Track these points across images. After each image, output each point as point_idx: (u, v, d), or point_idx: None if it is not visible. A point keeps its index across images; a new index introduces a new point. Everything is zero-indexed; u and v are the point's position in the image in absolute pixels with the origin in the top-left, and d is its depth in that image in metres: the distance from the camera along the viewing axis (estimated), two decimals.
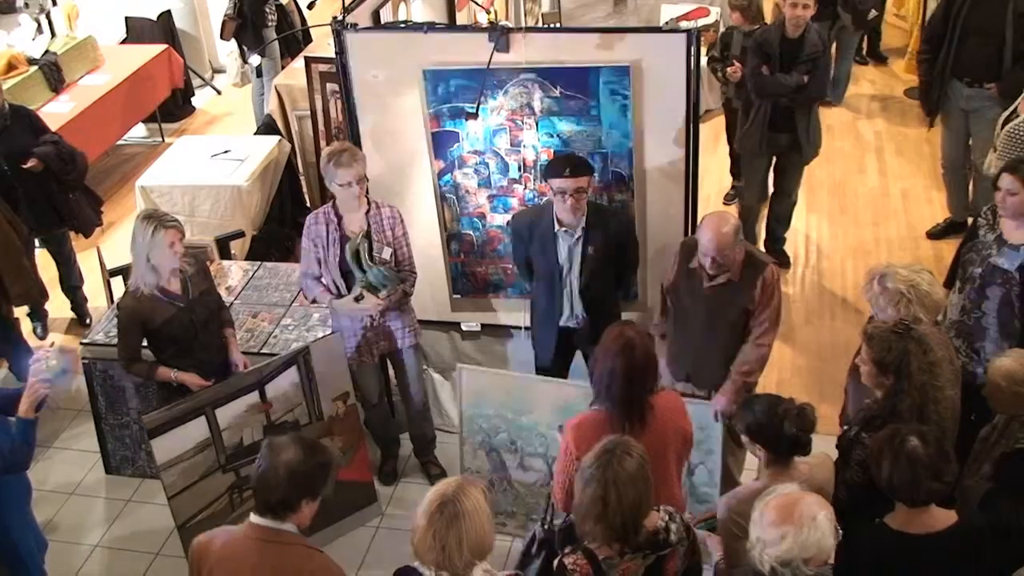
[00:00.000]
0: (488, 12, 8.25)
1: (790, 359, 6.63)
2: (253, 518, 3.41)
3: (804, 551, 3.03)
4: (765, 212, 7.61)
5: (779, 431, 3.69)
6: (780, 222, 7.52)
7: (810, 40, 6.68)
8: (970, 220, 7.39)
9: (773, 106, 6.82)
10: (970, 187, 7.65)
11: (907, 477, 3.42)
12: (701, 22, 9.20)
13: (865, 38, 10.69)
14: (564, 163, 4.90)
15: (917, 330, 3.89)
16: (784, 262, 7.43)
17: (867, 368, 3.97)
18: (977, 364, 4.78)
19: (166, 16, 10.79)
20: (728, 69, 7.32)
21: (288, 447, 3.37)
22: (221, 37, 9.90)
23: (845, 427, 4.20)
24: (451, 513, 3.24)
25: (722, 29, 9.69)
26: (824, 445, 4.20)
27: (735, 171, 8.15)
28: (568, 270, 5.11)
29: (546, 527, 4.38)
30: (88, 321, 7.36)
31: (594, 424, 4.01)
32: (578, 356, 5.45)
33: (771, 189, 7.48)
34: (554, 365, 5.39)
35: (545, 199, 5.34)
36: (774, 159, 7.20)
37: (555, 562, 3.56)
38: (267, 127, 8.04)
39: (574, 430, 4.07)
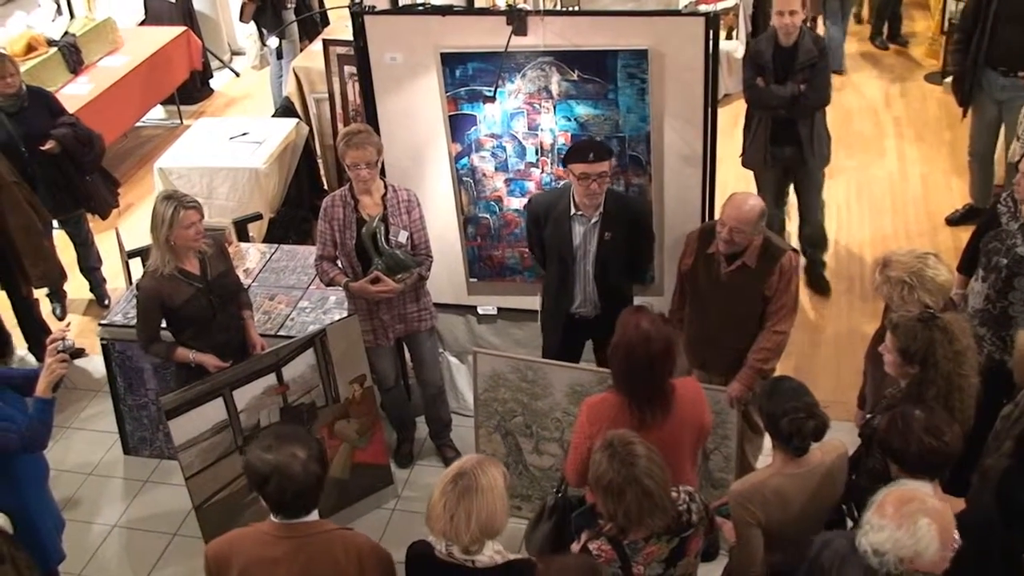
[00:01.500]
0: None
1: (807, 345, 6.61)
2: (275, 518, 3.33)
3: (897, 549, 2.96)
4: (784, 220, 7.31)
5: (777, 424, 3.70)
6: (815, 246, 7.17)
7: (804, 47, 6.34)
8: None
9: (773, 118, 6.53)
10: (997, 175, 7.61)
11: (899, 428, 3.44)
12: (720, 5, 9.15)
13: (886, 23, 10.62)
14: (587, 148, 4.87)
15: (943, 319, 3.86)
16: (825, 288, 7.15)
17: (891, 357, 3.94)
18: (1004, 352, 4.75)
19: None
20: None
21: (293, 451, 3.24)
22: (240, 19, 9.91)
23: (868, 415, 4.17)
24: (464, 486, 3.27)
25: (741, 12, 9.68)
26: (842, 432, 4.19)
27: None
28: (583, 255, 5.10)
29: (559, 495, 4.41)
30: (106, 302, 7.40)
31: (612, 407, 4.02)
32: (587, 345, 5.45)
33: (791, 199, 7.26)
34: (562, 352, 5.36)
35: (563, 183, 5.34)
36: (789, 172, 6.90)
37: (576, 547, 3.57)
38: (285, 110, 8.05)
39: (590, 409, 4.09)
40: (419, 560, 3.44)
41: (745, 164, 6.99)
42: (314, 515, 3.36)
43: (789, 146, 6.62)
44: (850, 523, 4.09)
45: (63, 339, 4.34)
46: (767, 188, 6.88)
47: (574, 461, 4.08)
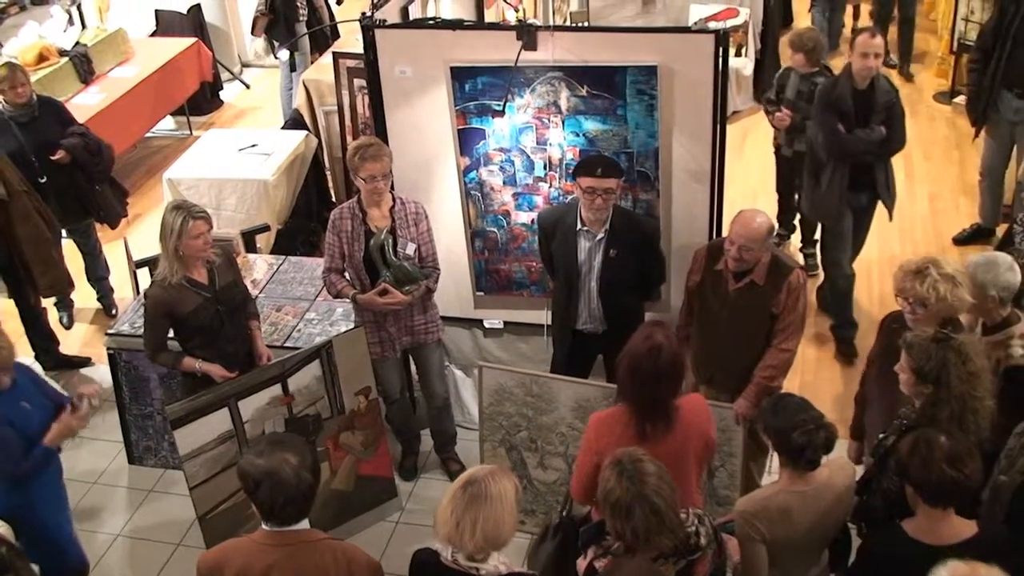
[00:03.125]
0: (516, 10, 8.24)
1: (814, 363, 6.60)
2: (267, 527, 3.34)
3: None
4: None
5: (789, 439, 3.68)
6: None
7: (882, 88, 6.13)
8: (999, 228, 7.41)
9: (852, 165, 6.22)
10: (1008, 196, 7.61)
11: (921, 455, 3.41)
12: (730, 23, 9.17)
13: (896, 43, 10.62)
14: (597, 163, 4.90)
15: (957, 339, 3.85)
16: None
17: (906, 376, 3.93)
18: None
19: (196, 9, 10.86)
20: (776, 115, 6.89)
21: (284, 457, 3.25)
22: (252, 33, 9.96)
23: (881, 435, 4.16)
24: (473, 493, 3.26)
25: (750, 29, 9.68)
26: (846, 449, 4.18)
27: (782, 219, 7.59)
28: (587, 271, 5.10)
29: (564, 514, 4.40)
30: (114, 312, 7.42)
31: (618, 421, 4.02)
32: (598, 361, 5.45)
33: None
34: (570, 368, 5.36)
35: (571, 197, 5.35)
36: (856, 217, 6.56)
37: (583, 563, 3.56)
38: (294, 122, 8.08)
39: (597, 425, 4.09)
40: (423, 566, 3.44)
41: (813, 216, 6.72)
42: (304, 524, 3.35)
43: (864, 191, 6.36)
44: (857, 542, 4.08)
45: (91, 398, 4.32)
46: (844, 238, 6.55)
47: (580, 477, 4.08)
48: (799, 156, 6.84)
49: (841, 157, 6.20)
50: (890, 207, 6.47)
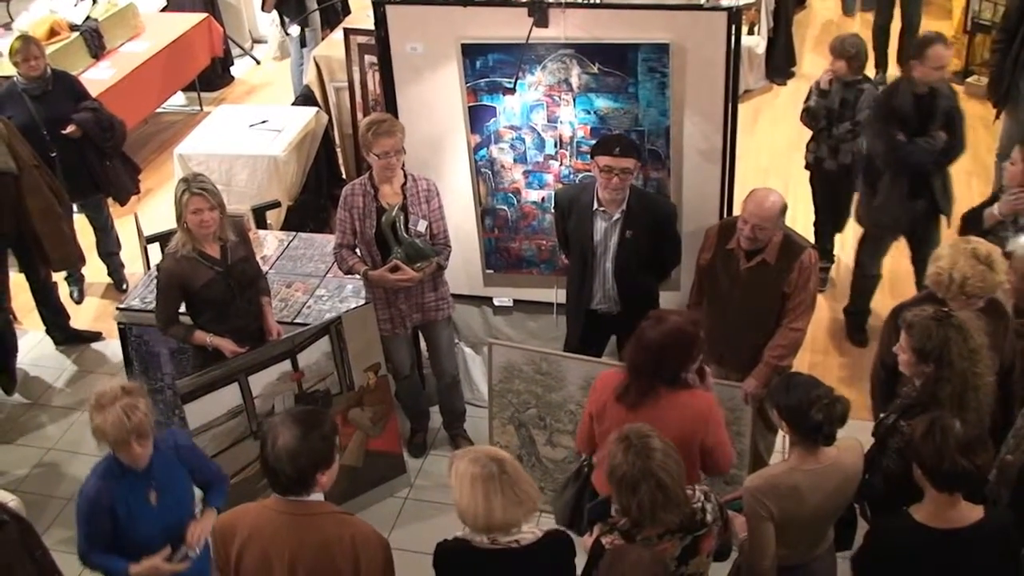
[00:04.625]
0: None
1: (823, 343, 6.60)
2: (276, 494, 3.40)
3: None
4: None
5: (806, 416, 3.67)
6: None
7: (942, 92, 5.93)
8: None
9: (912, 173, 5.98)
10: None
11: (935, 442, 3.39)
12: (742, 1, 9.11)
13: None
14: (615, 142, 4.88)
15: (957, 317, 3.86)
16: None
17: (906, 356, 3.93)
18: None
19: None
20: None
21: (283, 429, 3.30)
22: (263, 8, 9.94)
23: (882, 415, 4.17)
24: (488, 474, 3.29)
25: (763, 8, 9.62)
26: (855, 431, 4.17)
27: (821, 246, 6.96)
28: (603, 251, 5.09)
29: (584, 464, 4.48)
30: (124, 287, 7.43)
31: (612, 382, 4.12)
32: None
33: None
34: (584, 348, 5.35)
35: (583, 176, 5.34)
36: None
37: (589, 539, 3.58)
38: (305, 98, 8.07)
39: (599, 380, 4.25)
40: (455, 555, 3.44)
41: (869, 224, 6.41)
42: (316, 496, 3.39)
43: (921, 199, 6.06)
44: (862, 522, 4.09)
45: (191, 548, 4.13)
46: (882, 251, 6.45)
47: (579, 429, 4.34)
48: (845, 169, 6.57)
49: (905, 168, 5.97)
50: (948, 213, 6.17)
